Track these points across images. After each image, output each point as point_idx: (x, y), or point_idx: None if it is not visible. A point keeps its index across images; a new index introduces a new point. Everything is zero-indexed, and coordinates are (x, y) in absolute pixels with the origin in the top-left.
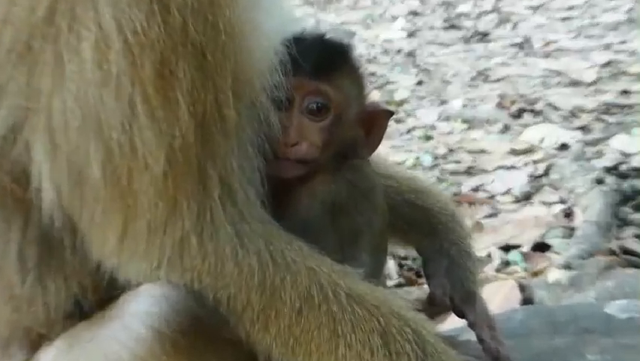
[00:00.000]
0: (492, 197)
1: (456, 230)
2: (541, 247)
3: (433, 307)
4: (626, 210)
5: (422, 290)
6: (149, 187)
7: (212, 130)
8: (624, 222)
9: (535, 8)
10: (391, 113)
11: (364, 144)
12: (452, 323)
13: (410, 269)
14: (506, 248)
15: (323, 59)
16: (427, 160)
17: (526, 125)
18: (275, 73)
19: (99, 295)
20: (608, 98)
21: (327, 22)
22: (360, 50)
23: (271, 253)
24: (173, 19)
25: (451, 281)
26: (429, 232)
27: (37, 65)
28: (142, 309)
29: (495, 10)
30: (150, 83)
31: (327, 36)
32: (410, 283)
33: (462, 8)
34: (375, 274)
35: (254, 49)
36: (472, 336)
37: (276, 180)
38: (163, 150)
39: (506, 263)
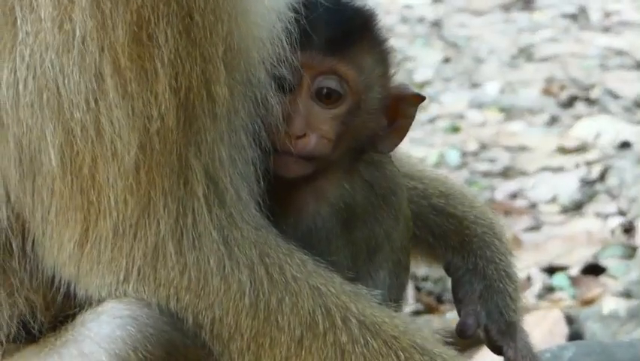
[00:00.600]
0: (533, 206)
1: (494, 245)
2: (593, 269)
3: (464, 340)
4: None
5: (444, 319)
6: (117, 180)
7: (197, 111)
8: None
9: None
10: (422, 98)
11: (386, 135)
12: (486, 359)
13: (430, 293)
14: (550, 270)
15: (339, 30)
16: (454, 158)
17: (578, 117)
18: (278, 42)
19: (52, 315)
20: None
21: None
22: None
23: (267, 267)
24: None
25: (486, 309)
26: (461, 247)
27: None
28: (104, 332)
29: None
30: (123, 49)
31: (345, 1)
32: (430, 310)
33: None
34: (395, 296)
35: (252, 10)
36: None
37: (276, 177)
38: (136, 133)
39: (550, 288)
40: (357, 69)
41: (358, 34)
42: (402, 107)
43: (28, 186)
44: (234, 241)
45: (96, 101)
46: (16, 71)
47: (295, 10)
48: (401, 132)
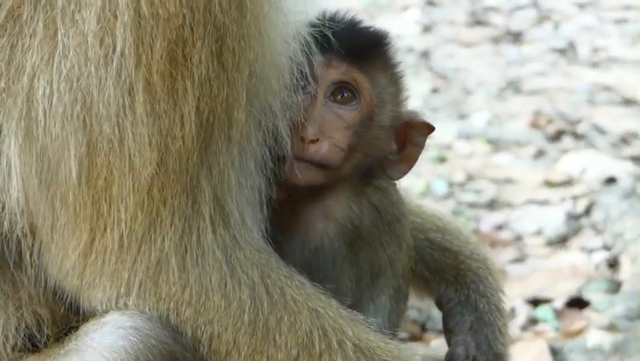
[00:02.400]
0: (519, 238)
1: (487, 280)
2: (578, 302)
3: None
4: None
5: (428, 348)
6: (130, 194)
7: (215, 134)
8: None
9: (582, 5)
10: (432, 129)
11: (396, 162)
12: None
13: (414, 321)
14: (535, 302)
15: (358, 43)
16: (441, 188)
17: (565, 151)
18: (297, 72)
19: (58, 328)
20: None
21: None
22: None
23: (267, 288)
24: None
25: (476, 340)
26: (455, 280)
27: (22, 37)
28: (107, 342)
29: (532, 4)
30: (158, 66)
31: (364, 23)
32: (414, 338)
33: (491, 0)
34: (394, 322)
35: (277, 39)
36: None
37: (284, 197)
38: (155, 151)
39: (534, 320)
40: (372, 82)
41: (375, 51)
42: (412, 135)
43: (44, 194)
44: (237, 261)
45: (125, 116)
46: (52, 83)
47: (314, 25)
48: (410, 161)
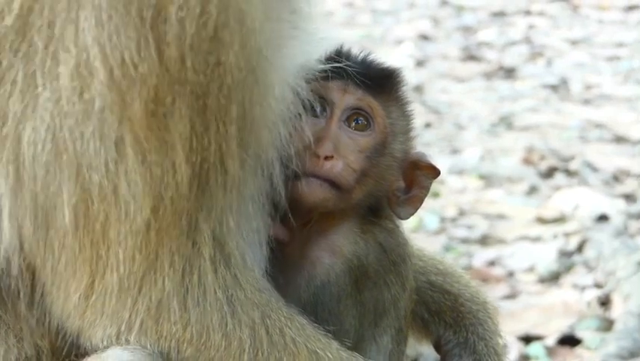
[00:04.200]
0: (511, 274)
1: (486, 323)
2: (569, 340)
3: None
4: None
5: None
6: (127, 237)
7: (210, 181)
8: None
9: (574, 42)
10: (438, 173)
11: (403, 202)
12: None
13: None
14: (526, 339)
15: (374, 73)
16: (432, 223)
17: (557, 188)
18: (292, 122)
19: (57, 360)
20: None
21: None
22: None
23: (267, 328)
24: (170, 52)
25: None
26: (454, 322)
27: (4, 84)
28: None
29: (525, 40)
30: (141, 122)
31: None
32: None
33: (484, 35)
34: None
35: (267, 95)
36: None
37: (286, 235)
38: (150, 197)
39: (526, 357)
40: (386, 111)
41: (389, 83)
42: (418, 176)
43: (42, 238)
44: (238, 301)
45: (115, 165)
46: (36, 130)
47: (325, 61)
48: (416, 203)
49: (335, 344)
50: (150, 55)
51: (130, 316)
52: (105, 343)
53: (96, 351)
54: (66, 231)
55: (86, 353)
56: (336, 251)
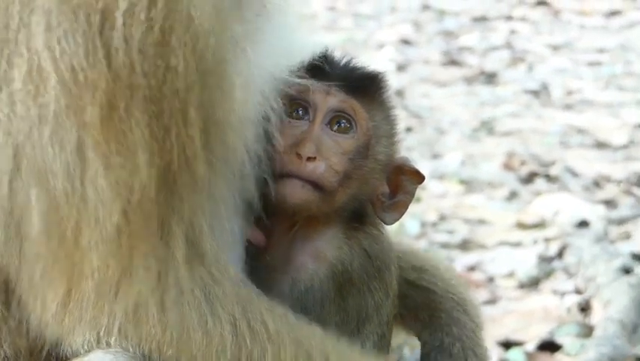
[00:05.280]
0: (491, 279)
1: (462, 321)
2: (549, 346)
3: None
4: None
5: None
6: (99, 244)
7: (178, 183)
8: None
9: (556, 47)
10: (422, 178)
11: (387, 207)
12: None
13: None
14: (506, 344)
15: (358, 76)
16: (413, 228)
17: (537, 194)
18: (261, 123)
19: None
20: None
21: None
22: None
23: (249, 322)
24: (118, 58)
25: None
26: (430, 321)
27: None
28: None
29: (507, 45)
30: (98, 127)
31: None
32: None
33: (465, 40)
34: None
35: (230, 97)
36: None
37: (273, 234)
38: (118, 202)
39: None
40: (369, 114)
41: (373, 87)
42: (403, 181)
43: (15, 248)
44: (216, 298)
45: (79, 171)
46: None
47: (308, 61)
48: (401, 208)
49: (319, 331)
50: (99, 60)
51: (108, 321)
52: (86, 348)
53: (78, 356)
54: (39, 241)
55: (67, 358)
56: (320, 256)
